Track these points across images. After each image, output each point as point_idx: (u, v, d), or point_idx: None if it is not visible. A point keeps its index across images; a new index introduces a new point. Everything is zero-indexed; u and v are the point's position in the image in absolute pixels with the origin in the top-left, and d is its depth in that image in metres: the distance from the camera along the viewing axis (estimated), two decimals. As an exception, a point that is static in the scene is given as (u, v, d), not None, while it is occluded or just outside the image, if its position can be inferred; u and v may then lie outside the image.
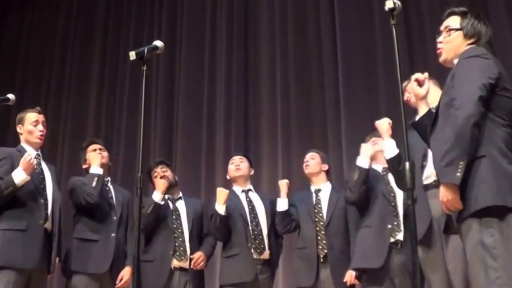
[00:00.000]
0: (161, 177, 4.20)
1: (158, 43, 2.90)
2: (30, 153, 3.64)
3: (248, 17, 6.53)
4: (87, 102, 7.07)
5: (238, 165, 4.26)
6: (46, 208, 3.63)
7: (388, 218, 3.64)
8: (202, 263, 4.00)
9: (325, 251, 3.89)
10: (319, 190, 4.14)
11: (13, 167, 3.57)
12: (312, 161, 4.21)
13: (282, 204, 4.04)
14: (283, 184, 4.12)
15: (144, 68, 2.80)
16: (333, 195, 4.10)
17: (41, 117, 3.84)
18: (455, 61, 2.57)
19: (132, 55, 2.77)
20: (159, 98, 6.63)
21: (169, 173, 4.27)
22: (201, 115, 6.36)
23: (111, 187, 4.12)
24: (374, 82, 5.56)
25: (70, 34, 7.49)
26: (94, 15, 7.43)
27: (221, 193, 4.01)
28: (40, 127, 3.80)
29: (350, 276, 3.76)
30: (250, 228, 4.03)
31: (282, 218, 4.04)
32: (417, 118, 2.74)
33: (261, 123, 6.08)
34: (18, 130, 3.84)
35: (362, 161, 3.77)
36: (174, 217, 4.12)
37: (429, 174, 3.14)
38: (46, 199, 3.65)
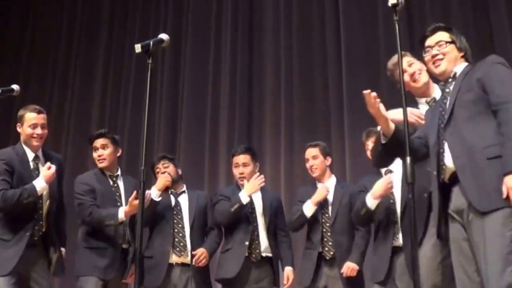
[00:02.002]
0: (162, 173, 4.16)
1: (163, 36, 2.88)
2: (29, 156, 3.73)
3: (253, 11, 6.54)
4: (92, 96, 7.11)
5: (242, 173, 4.09)
6: (39, 220, 3.64)
7: (390, 229, 3.58)
8: (204, 260, 3.96)
9: (331, 252, 3.86)
10: None
11: (10, 171, 3.61)
12: (317, 162, 4.05)
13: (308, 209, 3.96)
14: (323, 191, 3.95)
15: (150, 61, 2.77)
16: (338, 191, 4.01)
17: (40, 118, 3.77)
18: (456, 69, 2.72)
19: (138, 47, 2.75)
20: (164, 92, 6.66)
21: (171, 169, 4.21)
22: (205, 109, 6.38)
23: (120, 184, 4.04)
24: (377, 76, 5.57)
25: (75, 28, 7.52)
26: (99, 8, 7.45)
27: (254, 184, 3.94)
28: (38, 130, 3.74)
29: (348, 268, 3.75)
30: (251, 228, 3.98)
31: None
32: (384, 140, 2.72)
33: (265, 118, 6.10)
34: (18, 129, 3.80)
35: (371, 202, 3.59)
36: (175, 212, 4.10)
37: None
38: (41, 209, 3.66)
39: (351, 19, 5.85)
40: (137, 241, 2.67)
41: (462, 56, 2.77)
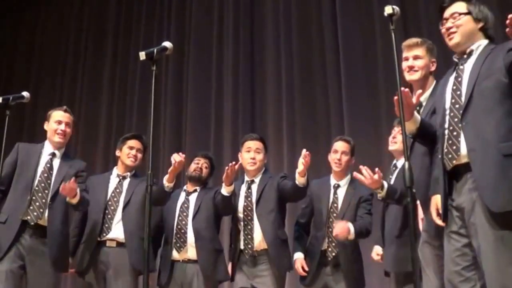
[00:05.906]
0: (199, 169, 4.22)
1: (167, 44, 2.94)
2: (47, 150, 3.91)
3: (254, 18, 6.63)
4: (99, 102, 7.26)
5: (253, 158, 4.06)
6: (31, 204, 3.71)
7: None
8: None
9: (333, 254, 3.85)
10: (338, 186, 4.01)
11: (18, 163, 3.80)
12: (345, 158, 4.00)
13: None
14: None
15: (154, 67, 2.84)
16: (349, 191, 3.96)
17: (65, 117, 3.97)
18: (473, 47, 2.60)
19: (142, 55, 2.80)
20: (168, 96, 6.78)
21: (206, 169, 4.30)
22: (209, 113, 6.48)
23: (125, 183, 4.15)
24: (375, 82, 5.62)
25: (82, 37, 7.72)
26: (105, 19, 7.63)
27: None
28: (62, 126, 3.92)
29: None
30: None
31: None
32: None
33: (267, 122, 6.17)
34: (45, 127, 3.99)
35: None
36: (181, 209, 4.11)
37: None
38: (34, 196, 3.73)
39: (349, 26, 5.89)
40: (145, 241, 2.69)
41: (480, 28, 2.62)
